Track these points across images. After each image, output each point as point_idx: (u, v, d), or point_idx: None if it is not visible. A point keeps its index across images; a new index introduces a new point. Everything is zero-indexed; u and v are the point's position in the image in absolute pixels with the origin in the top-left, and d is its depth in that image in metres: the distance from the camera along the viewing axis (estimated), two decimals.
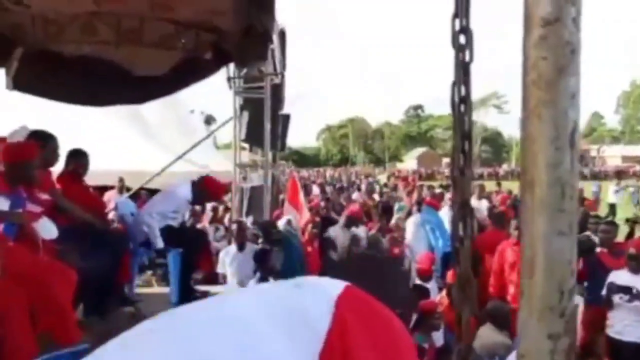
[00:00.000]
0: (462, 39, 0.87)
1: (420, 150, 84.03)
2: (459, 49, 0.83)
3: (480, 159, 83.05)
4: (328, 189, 20.70)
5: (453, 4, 0.83)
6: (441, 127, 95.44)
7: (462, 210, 0.85)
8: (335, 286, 1.15)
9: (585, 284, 5.63)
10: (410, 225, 8.50)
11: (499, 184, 19.77)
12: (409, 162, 77.61)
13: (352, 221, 7.85)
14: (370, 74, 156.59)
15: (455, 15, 0.84)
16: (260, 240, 6.65)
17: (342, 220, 8.33)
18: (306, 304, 1.08)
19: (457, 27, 0.84)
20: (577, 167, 0.85)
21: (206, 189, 5.29)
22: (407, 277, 5.92)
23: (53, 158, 4.40)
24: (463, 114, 0.84)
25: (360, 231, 8.00)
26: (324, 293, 1.11)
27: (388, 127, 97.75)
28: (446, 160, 76.88)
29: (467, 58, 0.85)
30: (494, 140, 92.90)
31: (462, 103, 0.85)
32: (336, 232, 7.59)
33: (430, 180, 41.07)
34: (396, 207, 13.57)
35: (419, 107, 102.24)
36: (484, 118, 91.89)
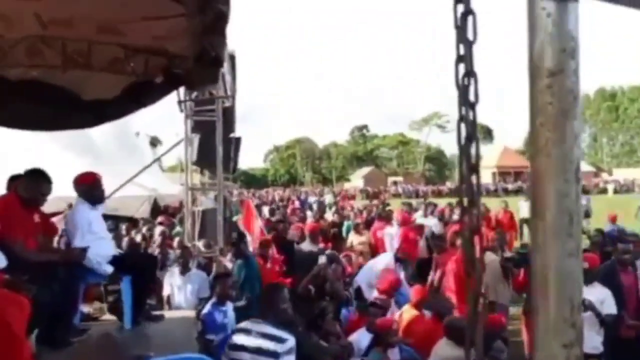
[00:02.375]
0: (467, 81, 0.95)
1: (366, 169, 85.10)
2: (464, 90, 0.92)
3: (425, 177, 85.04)
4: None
5: (455, 47, 0.92)
6: (386, 146, 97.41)
7: (472, 238, 0.94)
8: None
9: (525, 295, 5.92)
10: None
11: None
12: (356, 181, 78.46)
13: (314, 237, 7.88)
14: (316, 94, 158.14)
15: (459, 59, 0.92)
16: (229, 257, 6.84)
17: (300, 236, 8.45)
18: None
19: (462, 71, 0.93)
20: (580, 198, 0.97)
21: (86, 185, 4.93)
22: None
23: (29, 196, 4.35)
24: (469, 147, 0.93)
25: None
26: None
27: (334, 147, 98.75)
28: (391, 179, 78.25)
29: (472, 98, 0.94)
30: (437, 159, 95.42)
31: (468, 140, 0.94)
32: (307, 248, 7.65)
33: (376, 198, 41.40)
34: (344, 226, 13.64)
35: (363, 127, 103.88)
36: (426, 137, 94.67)
